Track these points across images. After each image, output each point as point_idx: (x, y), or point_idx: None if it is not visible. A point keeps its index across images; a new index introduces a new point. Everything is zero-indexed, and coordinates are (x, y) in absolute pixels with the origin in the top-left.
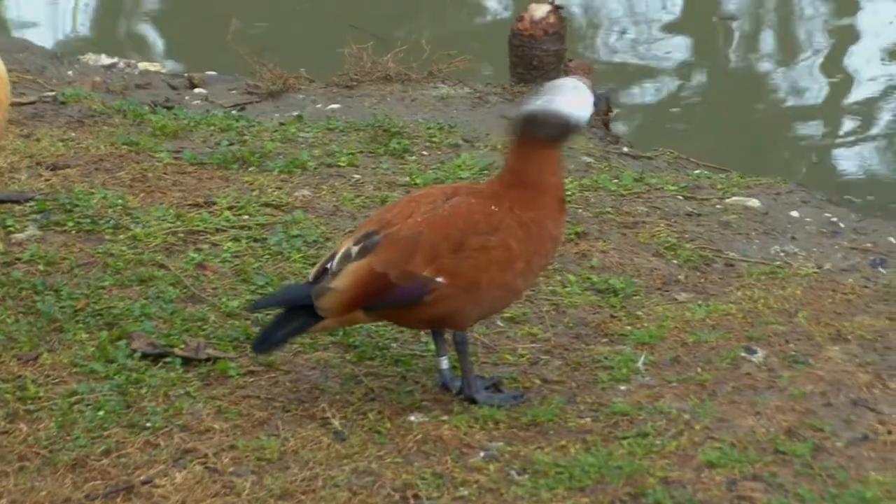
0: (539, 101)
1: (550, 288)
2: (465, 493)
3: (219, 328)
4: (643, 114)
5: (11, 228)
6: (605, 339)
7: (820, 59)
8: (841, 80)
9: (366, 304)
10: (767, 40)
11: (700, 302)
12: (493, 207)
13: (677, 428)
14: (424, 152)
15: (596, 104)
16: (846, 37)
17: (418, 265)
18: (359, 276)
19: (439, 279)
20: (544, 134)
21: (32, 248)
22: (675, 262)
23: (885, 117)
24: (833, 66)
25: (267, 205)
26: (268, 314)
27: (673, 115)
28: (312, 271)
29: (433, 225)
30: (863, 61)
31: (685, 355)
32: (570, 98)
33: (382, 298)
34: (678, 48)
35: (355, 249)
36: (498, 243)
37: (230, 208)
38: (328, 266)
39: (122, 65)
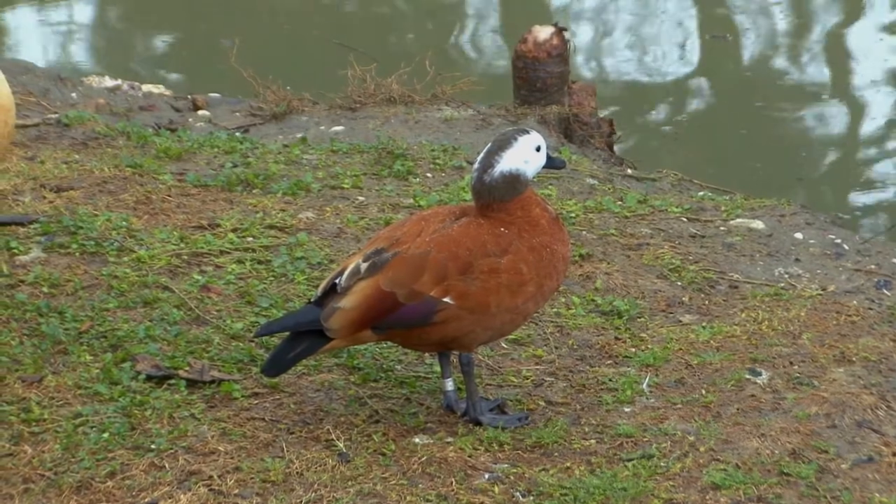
0: (483, 162)
1: (555, 310)
2: None
3: (223, 350)
4: (647, 135)
5: (15, 250)
6: (609, 361)
7: (822, 76)
8: (844, 97)
9: (373, 324)
10: (770, 60)
11: (704, 324)
12: (501, 229)
13: (682, 449)
14: (428, 174)
15: (549, 149)
16: (846, 53)
17: (426, 285)
18: (366, 294)
19: (447, 299)
20: (500, 196)
21: (36, 270)
22: (679, 283)
23: (888, 136)
24: (836, 81)
25: (271, 227)
26: (272, 337)
27: (677, 137)
28: (321, 287)
29: (441, 244)
30: (864, 78)
31: (689, 377)
32: (515, 152)
33: (389, 318)
34: (681, 69)
35: (364, 266)
36: (508, 266)
37: (234, 230)
38: (337, 282)
39: (125, 87)
